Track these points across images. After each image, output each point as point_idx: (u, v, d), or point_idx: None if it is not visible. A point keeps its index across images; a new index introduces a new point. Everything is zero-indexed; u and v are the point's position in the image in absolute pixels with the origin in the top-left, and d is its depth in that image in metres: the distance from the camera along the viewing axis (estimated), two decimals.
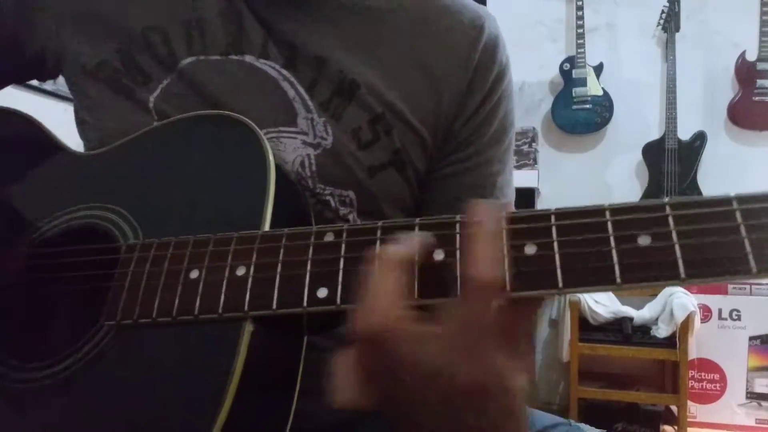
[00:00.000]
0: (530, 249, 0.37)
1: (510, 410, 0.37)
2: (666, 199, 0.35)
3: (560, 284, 0.35)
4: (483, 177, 0.68)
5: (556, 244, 0.36)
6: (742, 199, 0.34)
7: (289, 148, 0.61)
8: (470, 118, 0.67)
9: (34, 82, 2.37)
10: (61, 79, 2.25)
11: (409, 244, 0.38)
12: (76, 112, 0.69)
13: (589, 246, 0.35)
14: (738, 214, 0.33)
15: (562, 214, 0.37)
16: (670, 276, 0.33)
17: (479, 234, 0.36)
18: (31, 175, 0.62)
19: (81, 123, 0.68)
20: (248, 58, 0.63)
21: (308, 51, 0.63)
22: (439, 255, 0.39)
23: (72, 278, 0.54)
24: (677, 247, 0.33)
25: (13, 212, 0.60)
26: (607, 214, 0.36)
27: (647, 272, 0.34)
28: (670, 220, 0.34)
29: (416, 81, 0.65)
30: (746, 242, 0.32)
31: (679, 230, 0.34)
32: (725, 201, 0.34)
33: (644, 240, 0.34)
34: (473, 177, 0.68)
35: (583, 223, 0.36)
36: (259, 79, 0.62)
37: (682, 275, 0.33)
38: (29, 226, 0.57)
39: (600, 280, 0.34)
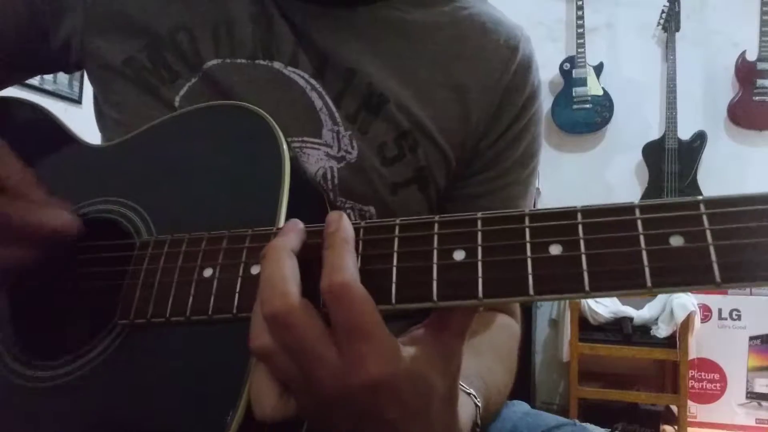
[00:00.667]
0: (555, 249, 0.35)
1: (427, 395, 0.38)
2: (700, 197, 0.33)
3: (587, 288, 0.33)
4: (503, 200, 0.67)
5: (582, 244, 0.34)
6: None
7: (312, 159, 0.61)
8: (497, 140, 0.66)
9: (35, 82, 2.36)
10: (61, 78, 2.25)
11: (293, 233, 0.39)
12: (97, 106, 0.68)
13: (618, 246, 0.33)
14: None
15: (589, 211, 0.35)
16: (705, 280, 0.31)
17: (327, 246, 0.37)
18: (46, 168, 0.61)
19: (102, 117, 0.67)
20: (277, 65, 0.62)
21: (339, 62, 0.62)
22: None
23: (86, 275, 0.53)
24: (712, 249, 0.31)
25: None
26: (637, 211, 0.34)
27: (679, 276, 0.32)
28: (705, 219, 0.32)
29: (447, 100, 0.64)
30: None
31: (714, 230, 0.32)
32: (764, 199, 0.31)
33: (676, 240, 0.32)
34: (493, 199, 0.67)
35: (611, 222, 0.34)
36: (286, 87, 0.61)
37: (718, 279, 0.31)
38: None
39: (629, 283, 0.32)
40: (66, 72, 0.74)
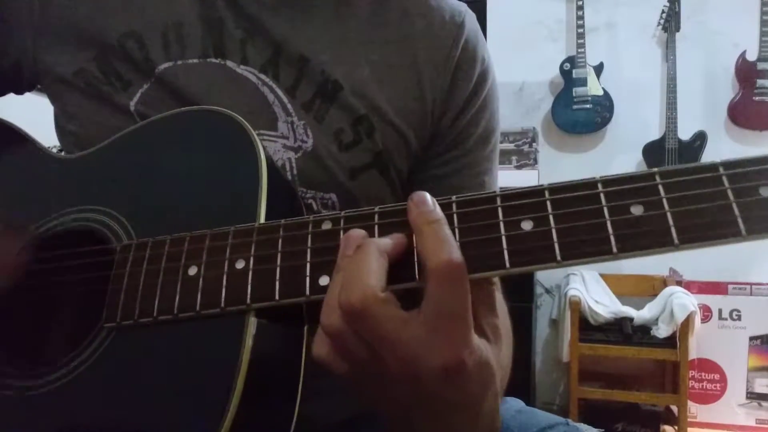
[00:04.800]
0: (527, 225, 0.37)
1: (486, 383, 0.38)
2: (655, 169, 0.36)
3: (558, 257, 0.36)
4: (470, 177, 0.68)
5: (552, 218, 0.37)
6: (728, 165, 0.34)
7: (270, 152, 0.61)
8: (456, 118, 0.67)
9: None
10: None
11: (392, 237, 0.40)
12: (56, 120, 0.68)
13: (584, 218, 0.36)
14: (725, 179, 0.34)
15: (555, 188, 0.38)
16: (664, 243, 0.34)
17: (431, 221, 0.37)
18: (16, 181, 0.61)
19: (62, 131, 0.67)
20: (230, 63, 0.62)
21: (292, 50, 0.62)
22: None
23: (67, 283, 0.53)
24: (669, 215, 0.34)
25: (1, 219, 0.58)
26: (599, 185, 0.37)
27: (642, 240, 0.34)
28: (661, 189, 0.35)
29: (402, 81, 0.64)
30: (734, 206, 0.33)
31: (670, 198, 0.34)
32: (712, 167, 0.35)
33: (637, 209, 0.35)
34: (461, 178, 0.67)
35: (576, 196, 0.37)
36: (238, 84, 0.62)
37: (676, 241, 0.33)
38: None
39: (597, 250, 0.35)
40: (17, 93, 0.72)
